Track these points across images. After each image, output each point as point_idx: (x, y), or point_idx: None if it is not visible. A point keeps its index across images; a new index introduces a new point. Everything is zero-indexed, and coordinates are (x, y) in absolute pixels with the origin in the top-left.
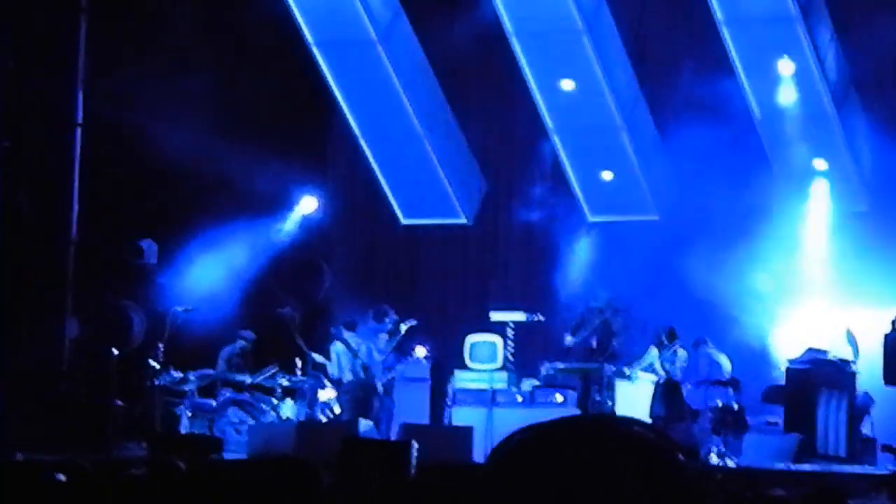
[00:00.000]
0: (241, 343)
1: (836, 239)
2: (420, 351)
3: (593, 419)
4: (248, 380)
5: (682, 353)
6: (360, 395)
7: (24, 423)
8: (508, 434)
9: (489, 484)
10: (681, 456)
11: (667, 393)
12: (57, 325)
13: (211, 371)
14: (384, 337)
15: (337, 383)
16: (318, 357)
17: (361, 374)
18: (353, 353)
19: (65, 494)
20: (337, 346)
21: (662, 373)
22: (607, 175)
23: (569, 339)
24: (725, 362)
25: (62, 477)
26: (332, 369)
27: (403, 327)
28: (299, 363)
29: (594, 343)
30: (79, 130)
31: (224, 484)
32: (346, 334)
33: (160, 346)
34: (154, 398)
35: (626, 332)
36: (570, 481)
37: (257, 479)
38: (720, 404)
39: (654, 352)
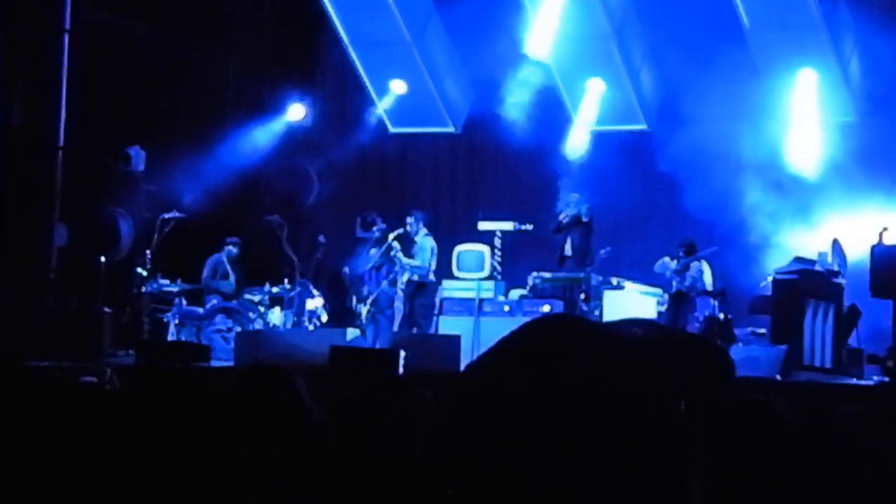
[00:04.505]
0: (228, 250)
1: (825, 149)
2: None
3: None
4: (230, 292)
5: (694, 264)
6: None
7: (14, 332)
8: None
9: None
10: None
11: (673, 305)
12: (45, 232)
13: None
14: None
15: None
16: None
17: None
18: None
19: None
20: (427, 242)
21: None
22: (597, 84)
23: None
24: (710, 273)
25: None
26: (419, 269)
27: (391, 236)
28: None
29: (569, 251)
30: (67, 36)
31: (203, 392)
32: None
33: (148, 253)
34: (141, 306)
35: (593, 236)
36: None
37: (236, 387)
38: (707, 315)
39: (669, 263)
